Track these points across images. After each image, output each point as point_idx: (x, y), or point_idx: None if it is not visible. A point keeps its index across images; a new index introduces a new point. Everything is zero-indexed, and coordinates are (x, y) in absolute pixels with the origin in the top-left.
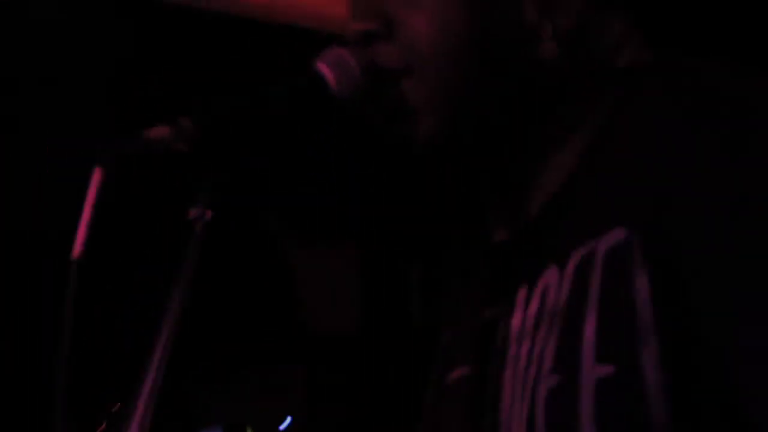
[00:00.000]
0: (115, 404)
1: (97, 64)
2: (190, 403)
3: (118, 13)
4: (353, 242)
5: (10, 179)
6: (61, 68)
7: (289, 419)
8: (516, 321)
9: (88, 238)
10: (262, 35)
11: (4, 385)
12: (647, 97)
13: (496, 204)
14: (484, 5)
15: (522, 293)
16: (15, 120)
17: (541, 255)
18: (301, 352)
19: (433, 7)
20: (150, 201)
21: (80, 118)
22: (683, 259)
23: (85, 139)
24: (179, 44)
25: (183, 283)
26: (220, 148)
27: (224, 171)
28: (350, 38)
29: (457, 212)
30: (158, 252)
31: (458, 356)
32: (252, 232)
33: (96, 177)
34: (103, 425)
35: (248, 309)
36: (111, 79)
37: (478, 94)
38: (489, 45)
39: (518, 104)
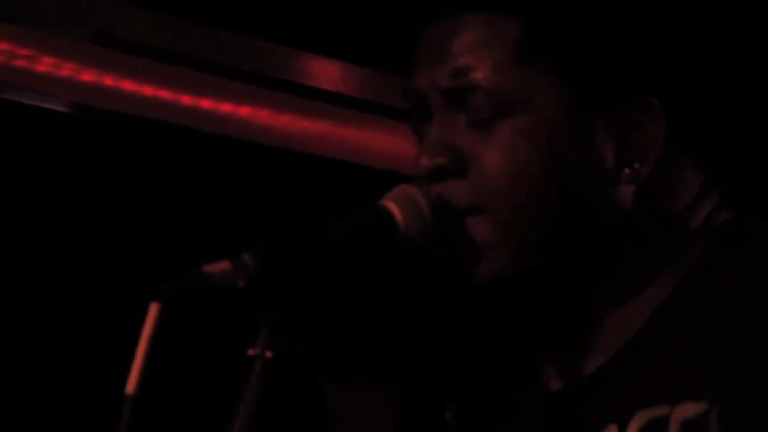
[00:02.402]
0: None
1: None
2: None
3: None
4: (390, 379)
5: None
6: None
7: None
8: None
9: (143, 373)
10: (323, 171)
11: None
12: (732, 262)
13: (556, 352)
14: (560, 148)
15: None
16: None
17: (601, 410)
18: None
19: (507, 145)
20: (208, 337)
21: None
22: None
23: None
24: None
25: (242, 422)
26: (279, 285)
27: (282, 309)
28: (419, 174)
29: (509, 355)
30: (215, 390)
31: None
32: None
33: (152, 312)
34: None
35: None
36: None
37: (548, 237)
38: (563, 188)
39: (589, 250)
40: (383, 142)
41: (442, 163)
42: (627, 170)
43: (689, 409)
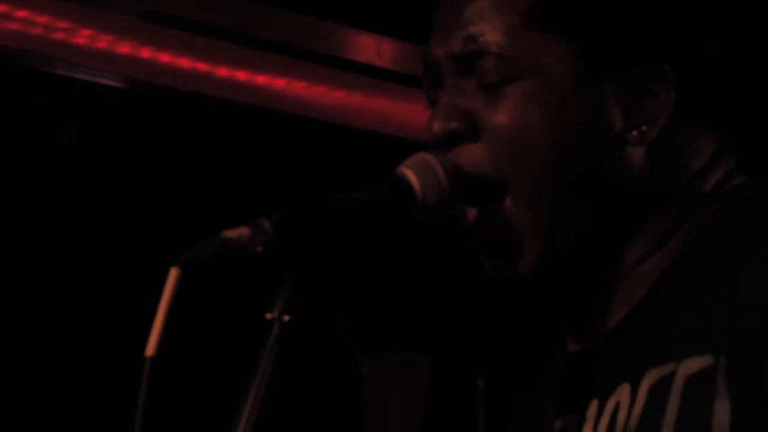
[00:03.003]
0: None
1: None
2: None
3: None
4: (423, 350)
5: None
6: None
7: None
8: None
9: (162, 336)
10: (340, 139)
11: None
12: (740, 221)
13: (573, 315)
14: (570, 112)
15: (593, 406)
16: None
17: (614, 370)
18: None
19: (517, 109)
20: (226, 301)
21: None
22: None
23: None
24: (257, 148)
25: (259, 385)
26: (297, 251)
27: (301, 274)
28: (431, 139)
29: (530, 319)
30: (234, 353)
31: None
32: (317, 335)
33: (172, 276)
34: None
35: (307, 416)
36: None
37: (573, 207)
38: (573, 151)
39: (607, 216)
40: (417, 114)
41: (455, 128)
42: (635, 132)
43: (694, 364)
